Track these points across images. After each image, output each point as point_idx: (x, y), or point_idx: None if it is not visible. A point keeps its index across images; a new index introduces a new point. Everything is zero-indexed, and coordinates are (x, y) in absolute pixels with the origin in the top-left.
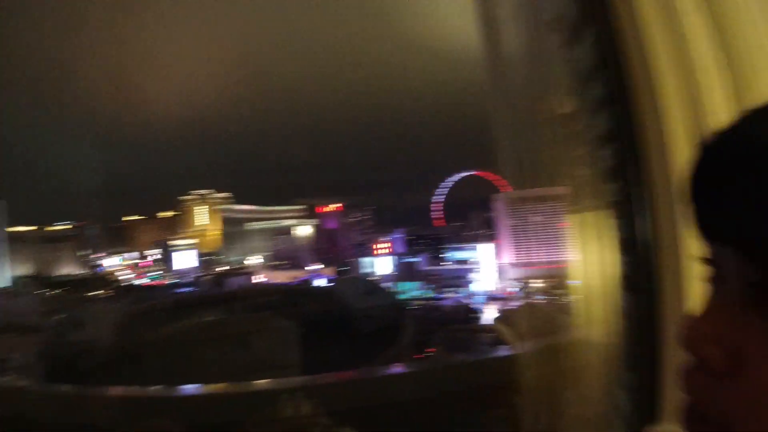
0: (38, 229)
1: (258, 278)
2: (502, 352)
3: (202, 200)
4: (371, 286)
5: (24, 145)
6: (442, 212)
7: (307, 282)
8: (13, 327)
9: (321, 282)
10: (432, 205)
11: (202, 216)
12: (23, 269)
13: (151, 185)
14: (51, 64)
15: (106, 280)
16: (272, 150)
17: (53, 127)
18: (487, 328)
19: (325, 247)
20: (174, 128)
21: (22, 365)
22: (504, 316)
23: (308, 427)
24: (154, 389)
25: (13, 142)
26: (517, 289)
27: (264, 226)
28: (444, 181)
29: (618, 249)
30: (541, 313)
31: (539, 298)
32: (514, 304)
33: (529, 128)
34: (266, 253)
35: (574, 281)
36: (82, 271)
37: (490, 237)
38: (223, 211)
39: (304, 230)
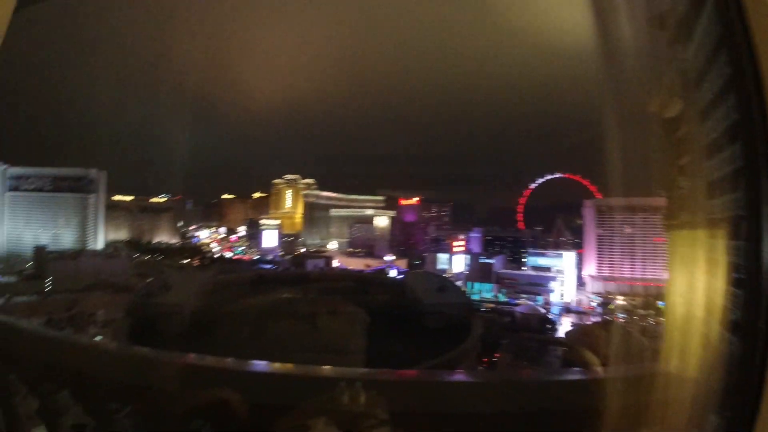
0: (137, 199)
1: (334, 263)
2: (579, 373)
3: (289, 185)
4: (443, 282)
5: (129, 120)
6: (524, 214)
7: (380, 271)
8: (104, 286)
9: (393, 273)
10: (515, 206)
11: (288, 200)
12: (120, 235)
13: (246, 167)
14: (162, 50)
15: (197, 250)
16: (360, 140)
17: (160, 106)
18: (559, 342)
19: (400, 239)
20: (272, 115)
21: (108, 321)
22: (579, 331)
23: (362, 421)
24: (223, 360)
25: (119, 118)
26: (597, 304)
27: (344, 213)
28: (530, 182)
29: (726, 277)
30: (622, 333)
31: (621, 317)
32: (592, 319)
33: (631, 131)
34: (343, 240)
35: (665, 304)
36: (175, 241)
37: (574, 245)
38: (308, 196)
39: (382, 221)
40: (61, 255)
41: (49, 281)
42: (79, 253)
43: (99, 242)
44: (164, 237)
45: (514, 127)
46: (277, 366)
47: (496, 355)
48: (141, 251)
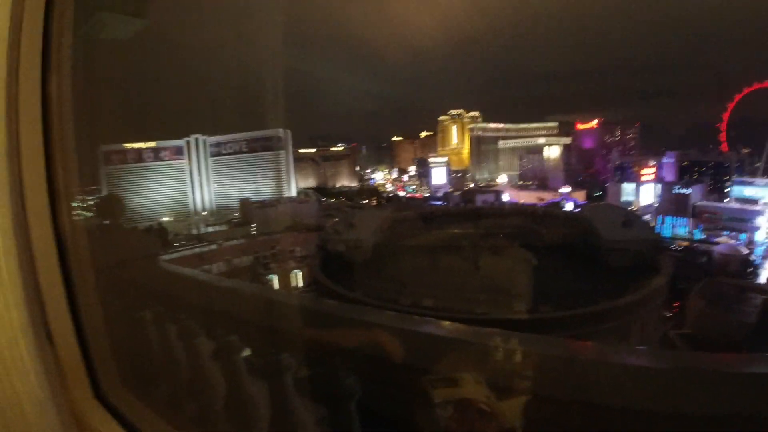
0: (319, 149)
1: (504, 197)
2: None
3: (455, 120)
4: (628, 215)
5: (307, 81)
6: (728, 133)
7: (555, 205)
8: (298, 226)
9: (569, 206)
10: (718, 122)
11: (454, 135)
12: (307, 182)
13: (413, 108)
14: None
15: (374, 191)
16: (527, 58)
17: (330, 63)
18: (762, 289)
19: (577, 169)
20: (433, 50)
21: (304, 255)
22: None
23: (514, 382)
24: (375, 312)
25: (294, 81)
26: None
27: (513, 144)
28: (737, 91)
29: None
30: None
31: None
32: None
33: None
34: (514, 173)
35: None
36: (354, 184)
37: None
38: (473, 130)
39: (555, 150)
40: (262, 204)
41: (253, 226)
42: (276, 201)
43: (292, 190)
44: (345, 181)
45: (715, 17)
46: (433, 320)
47: (689, 302)
48: (326, 195)
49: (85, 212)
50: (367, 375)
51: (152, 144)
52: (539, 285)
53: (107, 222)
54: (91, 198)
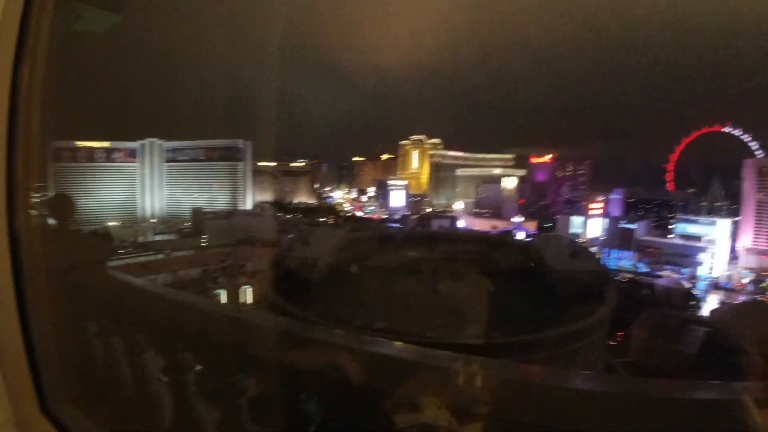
0: (279, 164)
1: (459, 223)
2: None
3: (416, 145)
4: (576, 248)
5: (270, 93)
6: (675, 173)
7: (508, 233)
8: (252, 241)
9: (521, 235)
10: (666, 163)
11: (414, 160)
12: (265, 196)
13: (377, 130)
14: (296, 19)
15: (332, 210)
16: (489, 93)
17: (294, 78)
18: (702, 321)
19: (530, 200)
20: (400, 77)
21: (256, 271)
22: (726, 312)
23: (476, 406)
24: (335, 333)
25: (260, 92)
26: (750, 281)
27: (471, 173)
28: (684, 136)
29: None
30: None
31: None
32: (741, 298)
33: None
34: (470, 200)
35: None
36: (312, 201)
37: (730, 212)
38: (434, 156)
39: (511, 180)
40: (215, 215)
41: (204, 238)
42: (230, 213)
43: (248, 203)
44: (303, 198)
45: (667, 70)
46: (391, 342)
47: (632, 332)
48: (283, 211)
49: (34, 210)
50: (325, 397)
51: (105, 144)
52: (490, 311)
53: (58, 223)
54: (38, 196)
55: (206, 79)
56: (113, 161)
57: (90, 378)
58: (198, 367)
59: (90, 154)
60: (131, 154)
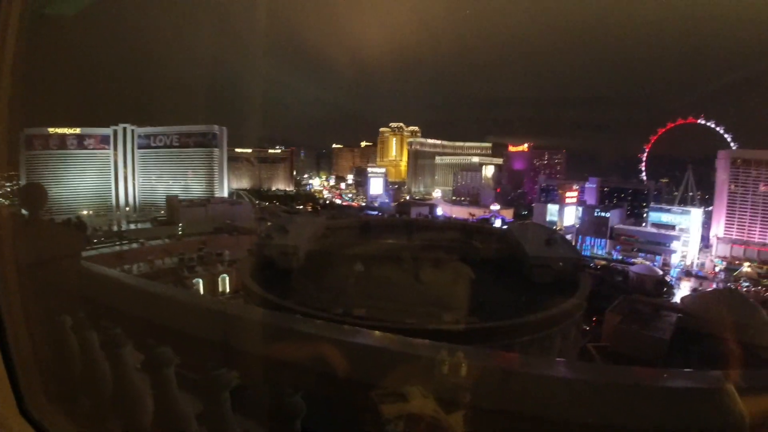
0: (256, 150)
1: (438, 211)
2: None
3: (395, 133)
4: (551, 234)
5: (248, 80)
6: (648, 164)
7: (485, 221)
8: (229, 229)
9: (498, 223)
10: (639, 154)
11: (393, 147)
12: (241, 183)
13: (356, 117)
14: (276, 8)
15: (311, 197)
16: (468, 82)
17: (274, 64)
18: (674, 307)
19: (507, 188)
20: (379, 64)
21: (233, 260)
22: (697, 298)
23: (460, 395)
24: (317, 323)
25: (237, 78)
26: (721, 270)
27: (449, 161)
28: (659, 127)
29: None
30: (744, 304)
31: (745, 286)
32: (713, 286)
33: None
34: (448, 188)
35: None
36: (290, 188)
37: (702, 202)
38: (412, 144)
39: (489, 169)
40: (191, 202)
41: (180, 226)
42: (206, 201)
43: (224, 191)
44: (281, 185)
45: (644, 63)
46: (374, 331)
47: (607, 317)
48: (261, 198)
49: (2, 200)
50: (311, 390)
51: (77, 130)
52: (469, 297)
53: (28, 214)
54: (9, 185)
55: (183, 64)
56: (85, 147)
57: (68, 375)
58: (177, 361)
59: (62, 141)
60: (104, 141)
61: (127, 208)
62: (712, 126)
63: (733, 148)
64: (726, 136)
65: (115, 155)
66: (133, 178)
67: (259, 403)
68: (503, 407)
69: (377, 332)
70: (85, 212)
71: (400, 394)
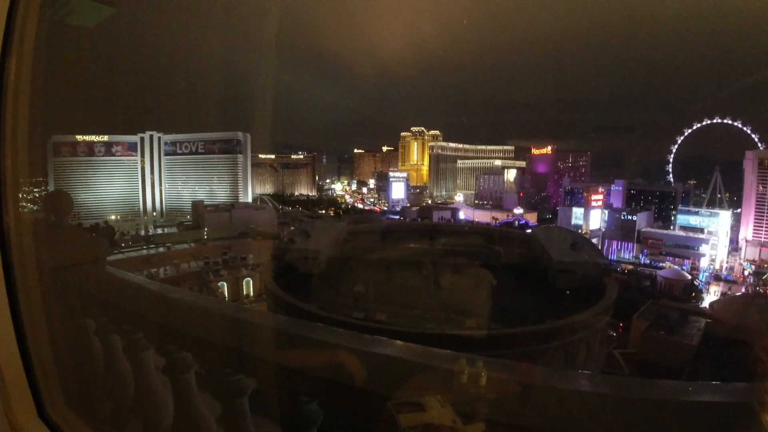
0: (279, 156)
1: (461, 215)
2: None
3: (416, 137)
4: (576, 239)
5: (270, 86)
6: (675, 165)
7: (509, 224)
8: (252, 233)
9: (521, 227)
10: (666, 155)
11: (414, 152)
12: (265, 189)
13: (377, 123)
14: (297, 15)
15: (333, 202)
16: (490, 85)
17: (294, 71)
18: (703, 312)
19: (530, 192)
20: (402, 69)
21: (257, 264)
22: (727, 303)
23: (480, 406)
24: (336, 332)
25: (260, 85)
26: (750, 273)
27: (471, 164)
28: (685, 128)
29: None
30: None
31: None
32: (742, 290)
33: None
34: (470, 192)
35: None
36: (313, 193)
37: (730, 204)
38: (434, 148)
39: (511, 172)
40: (216, 208)
41: (205, 231)
42: (231, 206)
43: (248, 196)
44: (303, 190)
45: (669, 63)
46: (393, 341)
47: (634, 323)
48: (284, 203)
49: (30, 205)
50: (327, 398)
51: (104, 138)
52: (491, 303)
53: (53, 220)
54: (37, 191)
55: (207, 72)
56: (113, 155)
57: (88, 379)
58: (197, 367)
59: (90, 149)
60: (131, 148)
61: (154, 213)
62: (739, 126)
63: (761, 148)
64: (753, 136)
65: (143, 162)
66: (160, 184)
67: (276, 409)
68: (522, 423)
69: (397, 342)
70: (113, 217)
71: (418, 403)
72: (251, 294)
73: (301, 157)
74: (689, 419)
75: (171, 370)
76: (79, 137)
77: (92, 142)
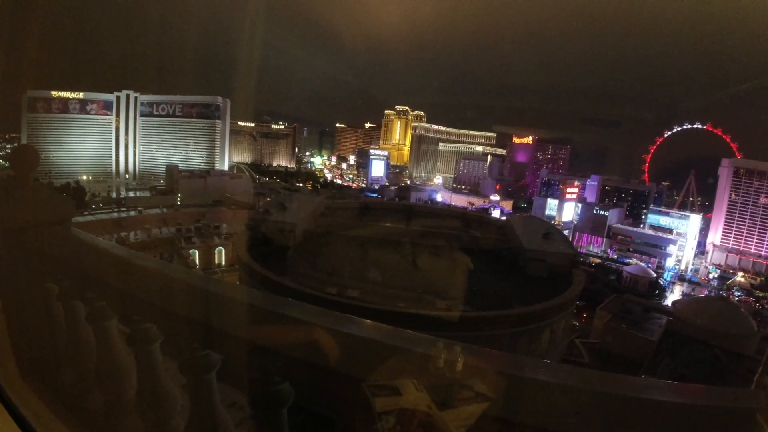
0: (258, 125)
1: (438, 197)
2: None
3: (400, 116)
4: (549, 229)
5: (252, 49)
6: (651, 166)
7: (484, 210)
8: (227, 202)
9: (497, 213)
10: (644, 155)
11: (397, 131)
12: (242, 157)
13: (362, 97)
14: None
15: (311, 175)
16: (478, 70)
17: (279, 38)
18: (664, 310)
19: (509, 180)
20: (393, 47)
21: (229, 233)
22: (688, 303)
23: (456, 391)
24: (309, 309)
25: (243, 50)
26: (714, 277)
27: (453, 148)
28: (665, 130)
29: None
30: (734, 313)
31: (737, 295)
32: (704, 292)
33: None
34: (450, 175)
35: None
36: (292, 165)
37: (702, 208)
38: (416, 128)
39: (491, 158)
40: (191, 174)
41: (179, 196)
42: (206, 173)
43: (225, 163)
44: (282, 161)
45: (657, 65)
46: (367, 321)
47: (599, 314)
48: (261, 173)
49: (2, 162)
50: (299, 378)
51: (80, 95)
52: (463, 285)
53: (16, 176)
54: (9, 147)
55: (188, 31)
56: (87, 113)
57: (47, 351)
58: (162, 339)
59: (65, 105)
60: (106, 107)
61: (127, 176)
62: (719, 133)
63: (738, 157)
64: (732, 144)
65: (117, 122)
66: (134, 146)
67: (246, 387)
68: (497, 414)
69: (373, 323)
70: (84, 177)
71: (394, 387)
72: (223, 263)
73: (282, 127)
74: (674, 419)
75: (135, 342)
76: (54, 93)
77: (67, 99)
